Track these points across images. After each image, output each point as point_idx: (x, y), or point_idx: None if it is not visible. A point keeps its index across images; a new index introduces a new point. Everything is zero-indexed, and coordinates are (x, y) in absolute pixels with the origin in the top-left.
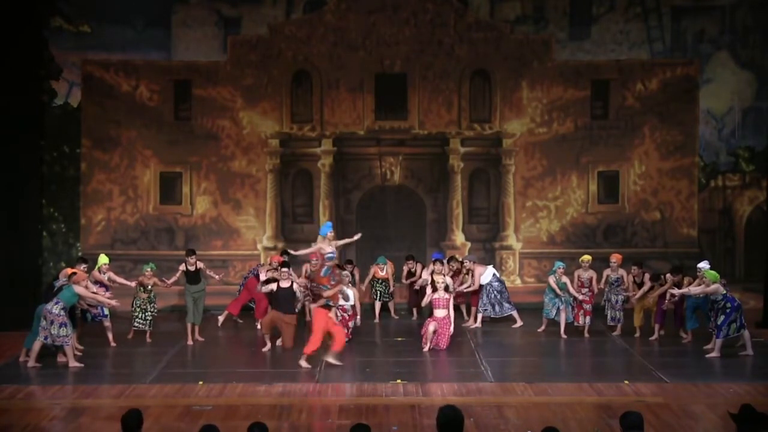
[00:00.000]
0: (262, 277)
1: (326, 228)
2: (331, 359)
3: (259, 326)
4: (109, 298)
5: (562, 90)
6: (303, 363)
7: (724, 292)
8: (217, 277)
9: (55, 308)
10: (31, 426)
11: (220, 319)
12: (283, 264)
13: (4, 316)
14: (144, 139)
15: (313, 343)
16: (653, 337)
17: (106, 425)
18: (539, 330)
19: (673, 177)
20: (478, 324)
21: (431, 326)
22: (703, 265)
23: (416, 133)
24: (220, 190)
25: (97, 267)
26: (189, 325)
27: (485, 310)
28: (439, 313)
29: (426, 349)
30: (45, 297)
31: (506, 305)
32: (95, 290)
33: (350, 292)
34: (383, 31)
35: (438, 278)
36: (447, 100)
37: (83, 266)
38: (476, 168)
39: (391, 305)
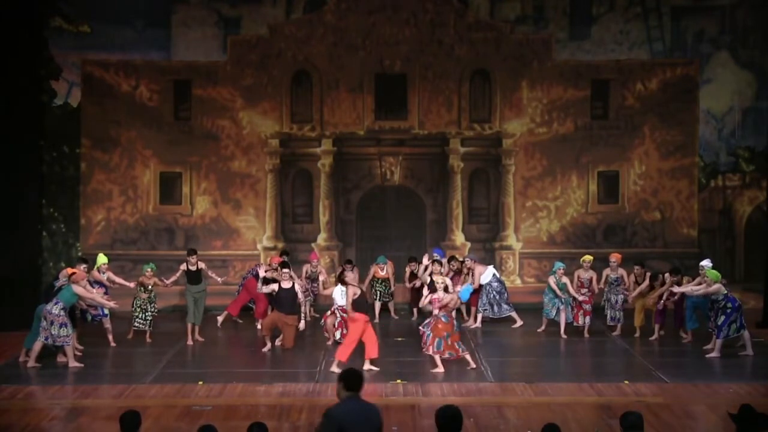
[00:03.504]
0: (261, 274)
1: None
2: (370, 366)
3: (259, 326)
4: (107, 299)
5: (562, 90)
6: (335, 368)
7: (725, 292)
8: (219, 279)
9: (54, 308)
10: (31, 426)
11: (219, 319)
12: (283, 264)
13: (4, 316)
14: (144, 139)
15: (348, 349)
16: (653, 337)
17: (106, 425)
18: (539, 330)
19: (673, 177)
20: (478, 324)
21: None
22: (706, 263)
23: (416, 133)
24: (220, 190)
25: (96, 267)
26: (189, 325)
27: (485, 310)
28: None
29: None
30: (45, 297)
31: (504, 306)
32: (94, 290)
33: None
34: (383, 31)
35: (438, 278)
36: (447, 100)
37: (83, 266)
38: (476, 168)
39: (391, 305)
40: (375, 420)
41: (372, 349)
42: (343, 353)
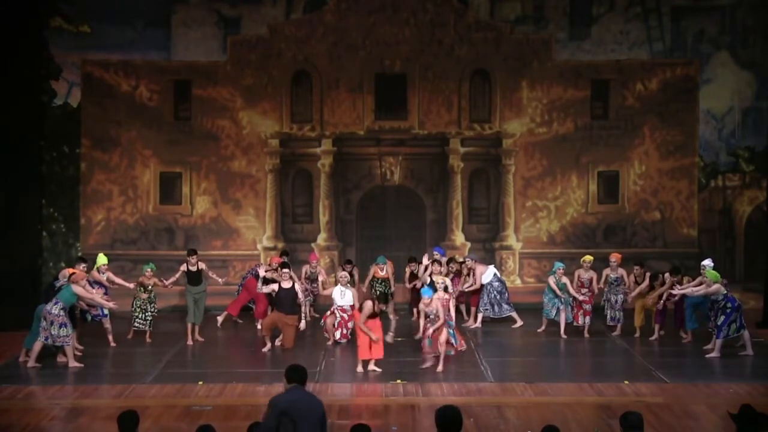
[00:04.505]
0: (261, 274)
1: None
2: (373, 367)
3: (259, 326)
4: (107, 300)
5: (562, 90)
6: (374, 367)
7: (725, 292)
8: (220, 280)
9: (54, 308)
10: (31, 426)
11: (219, 319)
12: (283, 265)
13: (4, 316)
14: (144, 139)
15: (378, 345)
16: (653, 337)
17: (106, 425)
18: (539, 330)
19: (673, 177)
20: (478, 324)
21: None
22: (707, 262)
23: (416, 133)
24: (220, 190)
25: (95, 267)
26: (189, 325)
27: (486, 310)
28: None
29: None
30: (45, 297)
31: (505, 306)
32: (93, 290)
33: (349, 292)
34: (383, 31)
35: (437, 279)
36: (447, 100)
37: (82, 266)
38: (476, 168)
39: (390, 305)
40: (317, 409)
41: (364, 351)
42: (377, 351)
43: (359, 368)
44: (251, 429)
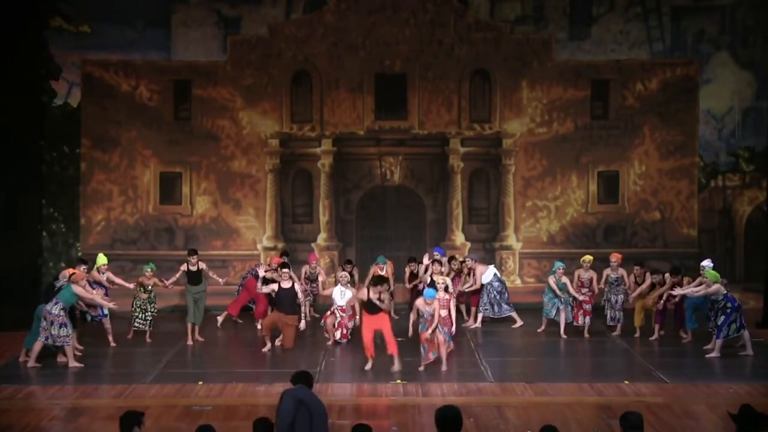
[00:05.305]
0: (261, 274)
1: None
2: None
3: (259, 326)
4: (107, 300)
5: (562, 90)
6: (396, 363)
7: (725, 292)
8: (221, 280)
9: (54, 309)
10: (31, 426)
11: (219, 319)
12: (282, 265)
13: (4, 316)
14: (144, 139)
15: (391, 343)
16: (653, 337)
17: (106, 425)
18: (539, 330)
19: (673, 177)
20: (478, 324)
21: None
22: (707, 263)
23: (416, 133)
24: (219, 190)
25: (95, 267)
26: (189, 325)
27: (486, 310)
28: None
29: None
30: (45, 297)
31: (505, 306)
32: (93, 291)
33: (349, 292)
34: (383, 31)
35: (438, 278)
36: (447, 100)
37: (82, 267)
38: (476, 168)
39: (391, 305)
40: (324, 409)
41: (369, 347)
42: (392, 348)
43: (368, 365)
44: (256, 425)
